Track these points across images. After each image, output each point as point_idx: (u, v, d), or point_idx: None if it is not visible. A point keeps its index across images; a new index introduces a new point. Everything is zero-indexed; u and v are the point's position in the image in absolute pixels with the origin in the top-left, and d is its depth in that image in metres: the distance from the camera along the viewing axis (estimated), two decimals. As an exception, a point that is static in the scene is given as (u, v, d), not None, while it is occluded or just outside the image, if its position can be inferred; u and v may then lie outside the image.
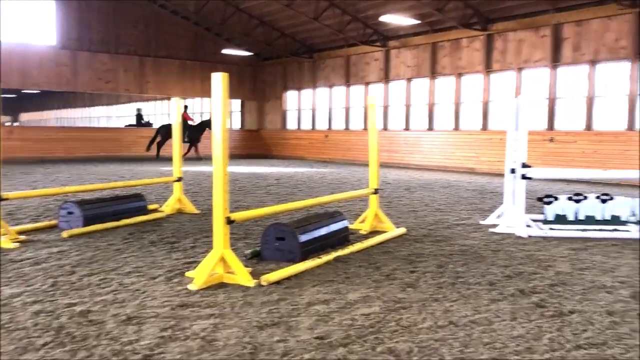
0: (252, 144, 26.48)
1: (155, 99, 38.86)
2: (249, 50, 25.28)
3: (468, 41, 18.05)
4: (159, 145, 21.10)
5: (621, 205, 7.28)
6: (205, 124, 21.29)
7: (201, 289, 4.34)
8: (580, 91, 15.28)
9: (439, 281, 4.71)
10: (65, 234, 6.28)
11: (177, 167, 8.33)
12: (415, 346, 3.30)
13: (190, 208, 8.32)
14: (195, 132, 21.19)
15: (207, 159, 19.80)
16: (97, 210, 6.84)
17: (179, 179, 8.33)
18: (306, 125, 25.01)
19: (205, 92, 25.73)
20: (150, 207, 8.23)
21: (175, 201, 8.28)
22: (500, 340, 3.41)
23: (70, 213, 6.70)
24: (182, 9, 23.61)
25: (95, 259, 5.30)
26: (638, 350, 3.28)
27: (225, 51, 24.42)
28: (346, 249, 5.67)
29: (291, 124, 26.08)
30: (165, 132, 20.31)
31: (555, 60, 15.69)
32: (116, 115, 44.92)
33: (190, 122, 21.20)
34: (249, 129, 27.64)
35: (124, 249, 5.76)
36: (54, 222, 6.99)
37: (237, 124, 28.98)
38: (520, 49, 16.62)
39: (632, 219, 7.33)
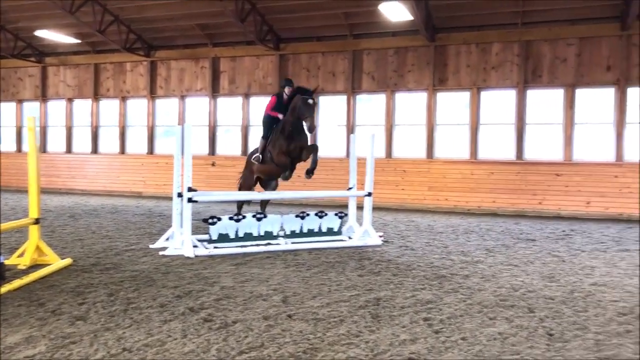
0: None
1: None
2: None
3: (132, 65, 18.06)
4: None
5: (272, 222, 8.38)
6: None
7: None
8: (237, 120, 16.86)
9: (111, 310, 4.67)
10: None
11: None
12: (88, 379, 3.25)
13: None
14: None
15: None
16: None
17: None
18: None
19: None
20: None
21: None
22: (173, 358, 3.62)
23: None
24: None
25: None
26: (291, 347, 3.90)
27: None
28: (2, 288, 5.11)
29: None
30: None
31: (215, 90, 16.99)
32: None
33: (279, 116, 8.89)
34: None
35: None
36: None
37: None
38: (182, 78, 17.43)
39: (282, 233, 8.52)
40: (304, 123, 8.24)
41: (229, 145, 17.05)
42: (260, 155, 8.93)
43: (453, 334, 4.26)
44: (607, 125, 13.25)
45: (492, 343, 4.06)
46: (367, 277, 6.20)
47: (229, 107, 17.05)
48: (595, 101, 13.44)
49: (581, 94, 13.53)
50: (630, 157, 12.99)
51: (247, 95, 16.67)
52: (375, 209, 13.52)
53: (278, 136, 8.60)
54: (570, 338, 4.20)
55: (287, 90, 8.91)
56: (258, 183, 9.59)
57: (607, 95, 13.31)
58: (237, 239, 8.07)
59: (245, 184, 9.65)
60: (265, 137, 8.95)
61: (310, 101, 8.29)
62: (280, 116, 8.73)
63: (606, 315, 4.84)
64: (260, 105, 16.63)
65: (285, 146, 8.48)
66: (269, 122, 8.97)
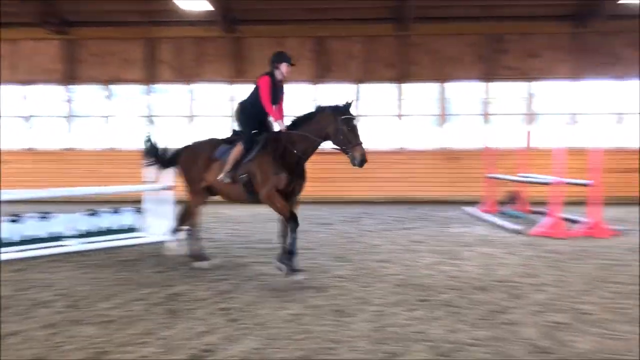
0: None
1: None
2: None
3: None
4: None
5: (60, 222, 7.70)
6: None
7: None
8: (18, 110, 15.10)
9: None
10: None
11: None
12: None
13: None
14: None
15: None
16: None
17: None
18: None
19: None
20: None
21: None
22: None
23: None
24: None
25: None
26: (77, 353, 3.64)
27: None
28: None
29: None
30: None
31: (-10, 77, 15.02)
32: None
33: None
34: None
35: None
36: None
37: None
38: (-53, 61, 15.08)
39: (73, 233, 7.86)
40: (351, 155, 5.69)
41: (7, 138, 15.24)
42: (230, 175, 6.10)
43: (249, 320, 4.36)
44: (391, 117, 14.64)
45: (286, 325, 4.25)
46: (165, 273, 6.05)
47: (8, 96, 15.19)
48: (380, 95, 14.78)
49: (367, 88, 14.75)
50: (408, 145, 14.54)
51: (28, 83, 15.03)
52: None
53: (277, 161, 5.79)
54: (355, 312, 4.58)
55: (283, 67, 6.14)
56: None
57: (389, 90, 14.70)
58: (19, 242, 7.27)
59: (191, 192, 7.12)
60: (246, 148, 6.01)
61: (355, 122, 5.77)
62: (280, 124, 5.98)
63: (387, 288, 5.37)
64: (44, 93, 15.16)
65: (286, 184, 5.82)
66: (254, 120, 6.11)
